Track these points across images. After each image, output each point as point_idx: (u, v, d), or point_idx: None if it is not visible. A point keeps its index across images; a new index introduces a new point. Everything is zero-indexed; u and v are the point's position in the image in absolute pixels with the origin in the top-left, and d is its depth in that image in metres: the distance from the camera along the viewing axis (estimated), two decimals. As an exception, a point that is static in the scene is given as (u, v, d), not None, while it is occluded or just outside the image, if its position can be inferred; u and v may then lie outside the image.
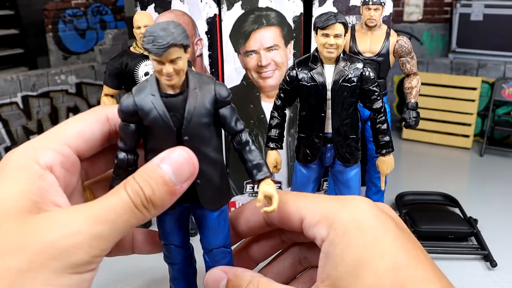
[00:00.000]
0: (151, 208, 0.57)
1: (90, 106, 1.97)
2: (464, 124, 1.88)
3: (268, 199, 0.68)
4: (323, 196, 0.69)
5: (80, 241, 0.52)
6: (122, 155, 0.67)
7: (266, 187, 0.69)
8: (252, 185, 1.34)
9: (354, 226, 0.61)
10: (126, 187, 0.56)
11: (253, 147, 0.72)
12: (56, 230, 0.52)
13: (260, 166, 0.70)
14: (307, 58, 0.91)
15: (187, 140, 0.66)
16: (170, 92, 0.65)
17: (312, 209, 0.66)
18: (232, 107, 0.70)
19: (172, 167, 0.58)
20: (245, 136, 0.71)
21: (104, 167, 0.72)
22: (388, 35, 1.13)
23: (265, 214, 0.72)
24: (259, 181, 0.70)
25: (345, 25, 0.85)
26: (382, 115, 0.93)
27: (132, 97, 0.65)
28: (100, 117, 0.67)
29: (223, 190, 0.73)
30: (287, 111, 1.01)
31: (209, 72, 1.23)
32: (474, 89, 1.86)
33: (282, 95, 0.94)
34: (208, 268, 0.78)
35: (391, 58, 1.15)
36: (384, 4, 1.11)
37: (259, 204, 0.68)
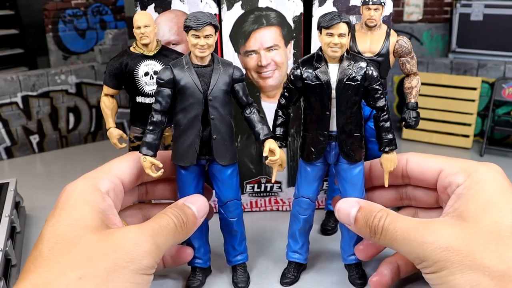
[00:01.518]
0: (185, 231, 0.79)
1: (90, 106, 1.97)
2: (464, 124, 1.88)
3: (272, 152, 0.89)
4: (458, 158, 0.87)
5: (147, 249, 0.69)
6: (157, 114, 0.89)
7: (271, 144, 0.90)
8: (252, 185, 1.34)
9: (488, 177, 0.77)
10: (169, 213, 0.78)
11: (260, 116, 0.93)
12: (129, 241, 0.68)
13: (266, 129, 0.92)
14: (311, 57, 0.92)
15: (211, 99, 0.88)
16: (200, 64, 0.88)
17: (452, 163, 0.84)
18: (244, 85, 0.93)
19: (196, 206, 0.85)
20: (254, 108, 0.94)
21: (131, 200, 0.95)
22: (388, 35, 1.13)
23: (407, 168, 0.91)
24: (263, 140, 0.90)
25: (349, 24, 0.87)
26: (385, 113, 0.94)
27: (170, 68, 0.88)
28: (135, 158, 0.89)
29: (233, 150, 0.93)
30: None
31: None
32: (474, 89, 1.86)
33: (286, 94, 0.95)
34: (223, 220, 0.99)
35: (391, 58, 1.15)
36: (384, 4, 1.12)
37: (265, 154, 0.89)
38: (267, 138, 0.91)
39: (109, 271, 0.64)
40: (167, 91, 0.88)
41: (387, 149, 0.94)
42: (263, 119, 0.94)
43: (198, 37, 0.84)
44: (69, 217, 0.70)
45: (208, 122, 0.90)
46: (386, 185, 0.94)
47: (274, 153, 0.89)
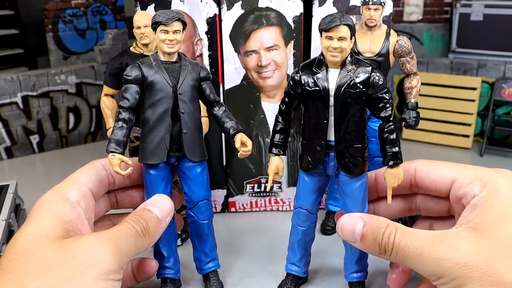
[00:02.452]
0: (147, 236, 0.76)
1: (90, 106, 1.97)
2: (464, 124, 1.88)
3: (244, 145, 0.89)
4: (471, 165, 0.82)
5: (108, 252, 0.66)
6: (125, 111, 0.86)
7: (242, 136, 0.90)
8: (252, 185, 1.34)
9: (505, 187, 0.72)
10: (128, 220, 0.75)
11: (227, 112, 0.94)
12: (88, 246, 0.65)
13: (235, 123, 0.92)
14: (312, 62, 0.87)
15: (181, 93, 0.88)
16: (168, 60, 0.88)
17: (465, 172, 0.79)
18: (211, 83, 0.94)
19: (156, 207, 0.81)
20: (221, 105, 0.94)
21: (103, 210, 0.93)
22: (388, 35, 1.13)
23: (416, 178, 0.87)
24: (233, 135, 0.90)
25: (350, 27, 0.80)
26: (391, 124, 0.86)
27: (138, 66, 0.87)
28: (97, 165, 0.87)
29: (202, 147, 0.93)
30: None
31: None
32: (474, 89, 1.86)
33: (286, 99, 0.91)
34: (193, 223, 0.96)
35: (391, 58, 1.15)
36: (384, 4, 1.11)
37: (237, 145, 0.89)
38: (237, 132, 0.90)
39: (68, 278, 0.61)
40: (134, 87, 0.87)
41: (391, 163, 0.85)
42: (230, 114, 0.93)
43: (167, 32, 0.84)
44: (30, 227, 0.68)
45: (178, 117, 0.88)
46: (389, 202, 0.87)
47: (246, 144, 0.89)
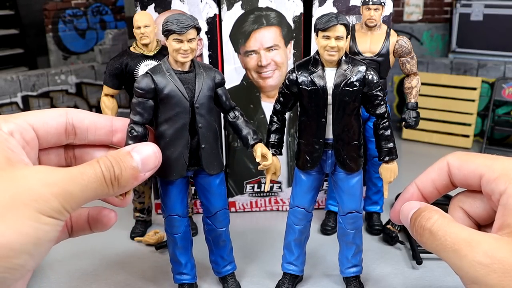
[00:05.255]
0: (116, 185, 0.64)
1: (90, 106, 1.97)
2: (464, 124, 1.88)
3: (264, 158, 0.85)
4: (501, 156, 0.74)
5: (56, 192, 0.57)
6: (139, 127, 0.78)
7: (262, 148, 0.85)
8: (252, 185, 1.34)
9: None
10: (99, 161, 0.63)
11: (245, 119, 0.88)
12: (36, 180, 0.57)
13: (253, 132, 0.87)
14: (308, 61, 0.88)
15: (198, 107, 0.82)
16: (181, 69, 0.81)
17: (491, 166, 0.72)
18: (226, 88, 0.88)
19: (141, 157, 0.67)
20: (238, 112, 0.89)
21: (55, 163, 0.79)
22: (388, 35, 1.13)
23: (451, 174, 0.79)
24: (253, 145, 0.86)
25: (347, 26, 0.81)
26: (385, 120, 0.88)
27: (150, 76, 0.80)
28: (60, 111, 0.73)
29: (220, 158, 0.88)
30: (286, 115, 0.97)
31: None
32: (474, 89, 1.86)
33: (281, 99, 0.91)
34: (211, 231, 0.94)
35: (391, 58, 1.15)
36: (384, 4, 1.11)
37: (258, 159, 0.84)
38: (256, 143, 0.86)
39: (5, 206, 0.54)
40: (149, 102, 0.80)
41: (386, 158, 0.88)
42: (249, 123, 0.88)
43: (181, 41, 0.77)
44: None
45: (196, 131, 0.84)
46: (386, 196, 0.89)
47: (267, 157, 0.85)
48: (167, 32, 0.78)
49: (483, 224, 0.79)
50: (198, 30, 0.79)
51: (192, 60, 0.82)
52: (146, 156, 0.68)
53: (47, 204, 0.56)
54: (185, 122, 0.82)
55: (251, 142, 0.86)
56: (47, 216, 0.57)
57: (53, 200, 0.57)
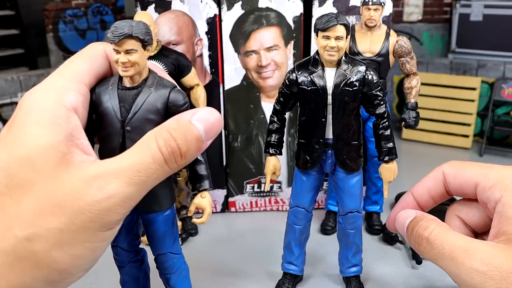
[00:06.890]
0: (180, 162, 0.57)
1: (90, 106, 1.97)
2: (463, 124, 1.89)
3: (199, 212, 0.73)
4: (495, 165, 0.74)
5: (115, 204, 0.54)
6: None
7: (201, 199, 0.73)
8: (252, 184, 1.34)
9: None
10: (159, 141, 0.55)
11: (201, 158, 0.73)
12: (92, 192, 0.53)
13: (203, 178, 0.73)
14: (308, 61, 0.88)
15: (129, 130, 0.68)
16: (128, 85, 0.68)
17: (486, 175, 0.72)
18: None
19: (204, 124, 0.58)
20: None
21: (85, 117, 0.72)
22: (388, 35, 1.13)
23: (446, 183, 0.79)
24: (197, 192, 0.73)
25: (346, 27, 0.82)
26: (385, 120, 0.88)
27: (94, 87, 0.66)
28: (101, 53, 0.67)
29: (166, 191, 0.75)
30: (286, 115, 0.98)
31: (209, 72, 1.24)
32: (474, 89, 1.87)
33: (281, 99, 0.91)
34: (162, 272, 0.82)
35: (391, 58, 1.15)
36: (384, 4, 1.12)
37: (189, 214, 0.73)
38: (201, 191, 0.73)
39: (63, 231, 0.51)
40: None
41: (386, 158, 0.89)
42: (204, 161, 0.75)
43: (117, 52, 0.64)
44: (21, 150, 0.53)
45: None
46: (386, 196, 0.91)
47: (204, 212, 0.73)
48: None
49: (480, 232, 0.79)
50: (141, 40, 0.66)
51: (148, 75, 0.69)
52: (209, 123, 0.59)
53: (106, 220, 0.53)
54: (114, 146, 0.69)
55: (196, 189, 0.74)
56: (106, 230, 0.55)
57: (112, 215, 0.54)
